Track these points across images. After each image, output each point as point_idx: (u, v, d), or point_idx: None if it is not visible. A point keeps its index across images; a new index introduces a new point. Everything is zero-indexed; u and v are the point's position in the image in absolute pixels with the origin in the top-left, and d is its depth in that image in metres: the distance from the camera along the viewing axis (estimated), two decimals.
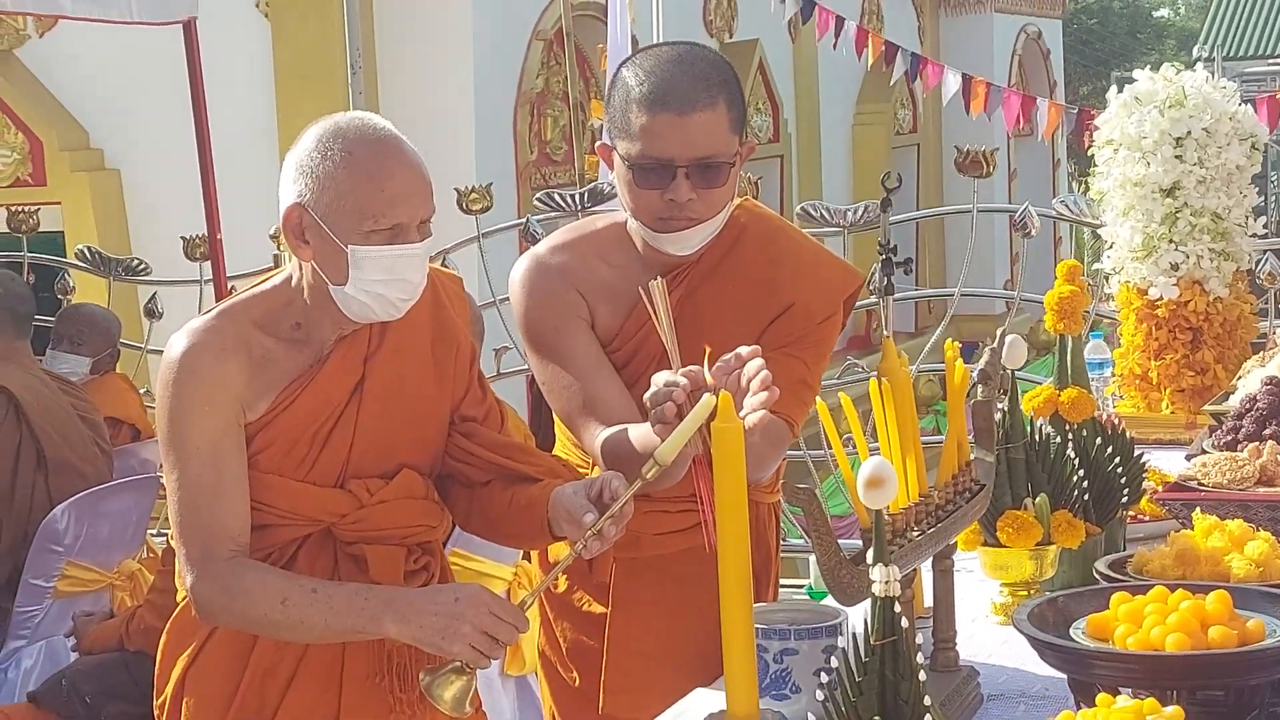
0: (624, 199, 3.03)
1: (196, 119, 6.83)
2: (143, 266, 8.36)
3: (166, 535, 4.65)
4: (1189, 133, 4.68)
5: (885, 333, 3.27)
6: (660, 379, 2.65)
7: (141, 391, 7.09)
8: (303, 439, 2.77)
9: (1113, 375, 4.83)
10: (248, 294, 2.83)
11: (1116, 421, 3.29)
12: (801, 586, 6.89)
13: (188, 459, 2.70)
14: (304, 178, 2.70)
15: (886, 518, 2.25)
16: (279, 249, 8.24)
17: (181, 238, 7.99)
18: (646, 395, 2.65)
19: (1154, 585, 2.40)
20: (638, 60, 3.02)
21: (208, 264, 7.38)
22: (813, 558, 5.95)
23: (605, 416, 2.98)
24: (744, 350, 2.63)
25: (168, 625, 2.93)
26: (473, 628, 2.60)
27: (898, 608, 1.94)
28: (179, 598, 2.88)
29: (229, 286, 7.28)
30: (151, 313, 8.18)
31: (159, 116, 11.81)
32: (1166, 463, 3.81)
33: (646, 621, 3.22)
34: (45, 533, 5.16)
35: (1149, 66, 4.93)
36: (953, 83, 9.45)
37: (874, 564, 1.96)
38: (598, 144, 3.12)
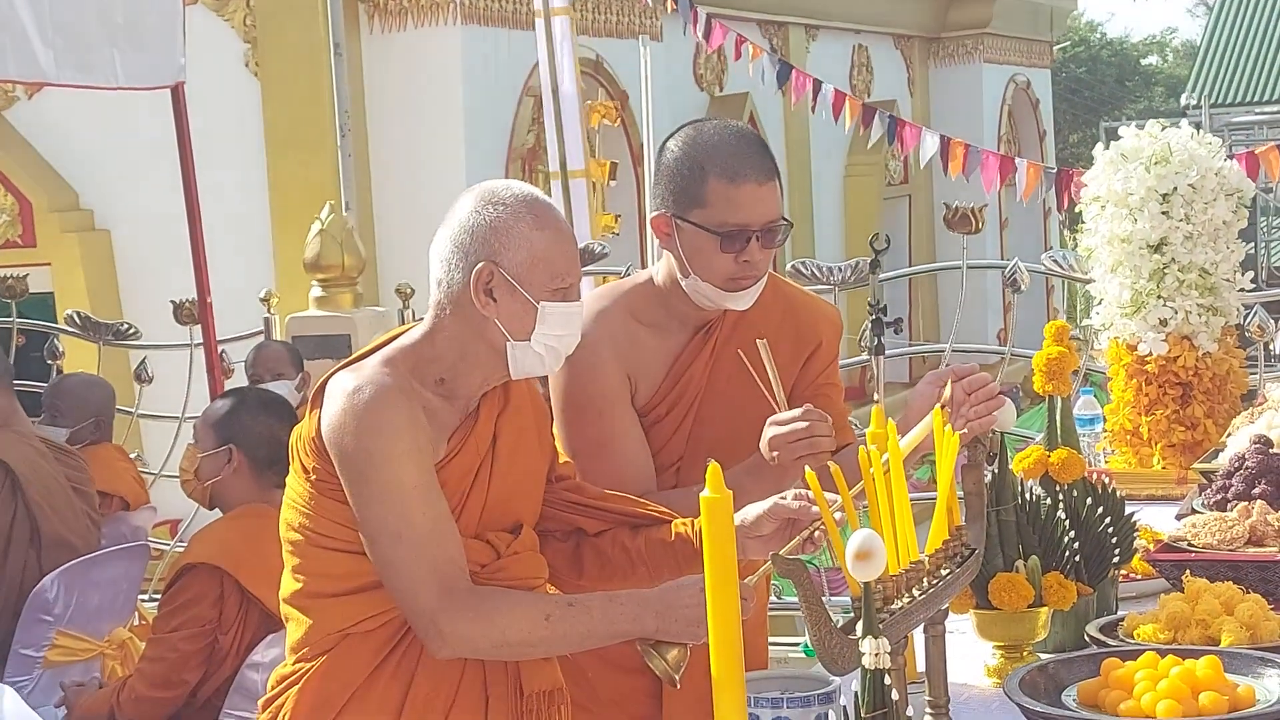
0: (686, 263, 3.24)
1: (185, 182, 6.84)
2: (132, 331, 8.35)
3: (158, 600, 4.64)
4: (1175, 189, 4.69)
5: (876, 397, 3.30)
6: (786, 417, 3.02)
7: (133, 456, 7.07)
8: (458, 490, 2.84)
9: (1103, 431, 4.83)
10: (392, 347, 2.87)
11: (1107, 480, 3.29)
12: (797, 644, 6.89)
13: (407, 501, 2.73)
14: (494, 237, 2.80)
15: (876, 588, 2.24)
16: (269, 312, 8.26)
17: (171, 301, 7.98)
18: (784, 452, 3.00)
19: (1145, 650, 2.40)
20: (693, 137, 3.25)
21: (198, 327, 7.38)
22: None
23: (639, 489, 3.20)
24: (958, 367, 3.03)
25: (299, 689, 2.87)
26: None
27: (888, 680, 1.94)
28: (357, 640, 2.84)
29: (220, 351, 7.28)
30: (140, 377, 8.17)
31: (149, 177, 11.81)
32: (1158, 519, 3.81)
33: None
34: (35, 602, 5.13)
35: (1137, 114, 4.96)
36: (930, 144, 9.42)
37: (863, 636, 1.96)
38: (652, 215, 3.29)
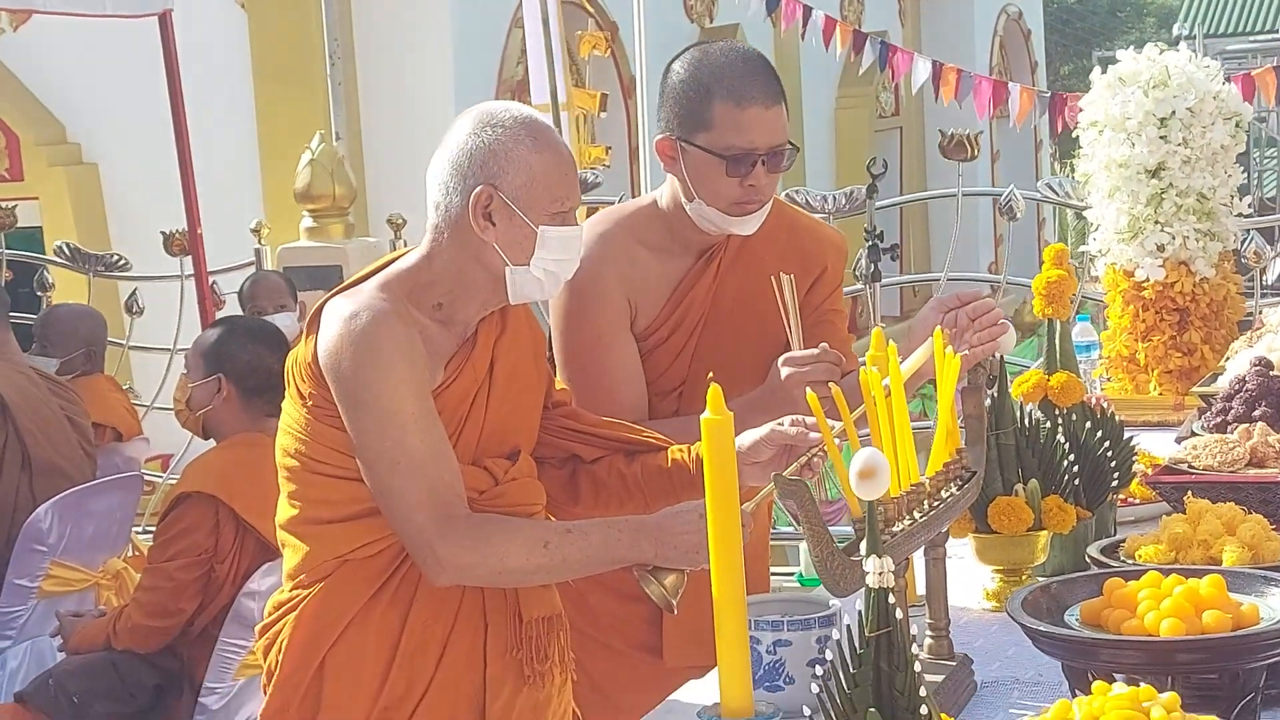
0: (691, 187, 3.21)
1: (174, 113, 6.78)
2: (122, 262, 8.32)
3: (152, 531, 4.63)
4: (1173, 113, 4.66)
5: (874, 321, 3.29)
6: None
7: (125, 387, 7.05)
8: (456, 416, 2.82)
9: (1100, 357, 4.82)
10: (389, 272, 2.83)
11: (1105, 405, 3.28)
12: (791, 574, 6.90)
13: (405, 427, 2.70)
14: (493, 160, 2.76)
15: (879, 508, 2.23)
16: (260, 242, 8.22)
17: (161, 232, 7.95)
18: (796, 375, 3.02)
19: (1147, 570, 2.39)
20: (699, 59, 3.21)
21: (188, 258, 7.35)
22: (802, 545, 5.92)
23: (632, 417, 3.19)
24: (963, 292, 3.00)
25: (296, 615, 2.84)
26: None
27: (892, 599, 1.93)
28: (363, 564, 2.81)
29: (211, 281, 7.25)
30: (131, 309, 8.14)
31: (137, 109, 11.74)
32: (1155, 445, 3.80)
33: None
34: (29, 533, 5.13)
35: (1130, 45, 4.92)
36: (922, 70, 9.30)
37: (867, 555, 1.94)
38: (657, 138, 3.24)
